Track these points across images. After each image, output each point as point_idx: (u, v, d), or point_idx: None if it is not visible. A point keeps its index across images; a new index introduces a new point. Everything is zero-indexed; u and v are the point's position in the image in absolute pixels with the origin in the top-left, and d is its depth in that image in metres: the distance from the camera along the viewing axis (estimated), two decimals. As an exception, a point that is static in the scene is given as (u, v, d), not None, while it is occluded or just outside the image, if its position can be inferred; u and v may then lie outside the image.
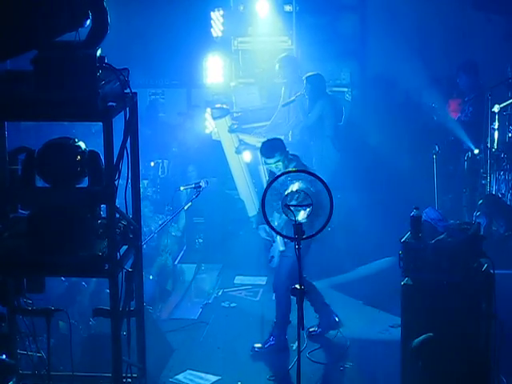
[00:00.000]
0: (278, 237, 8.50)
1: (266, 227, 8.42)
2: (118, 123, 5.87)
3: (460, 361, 6.87)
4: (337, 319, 8.94)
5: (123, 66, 5.98)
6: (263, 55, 12.34)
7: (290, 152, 8.68)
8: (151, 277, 9.78)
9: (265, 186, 8.28)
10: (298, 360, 5.98)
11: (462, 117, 11.70)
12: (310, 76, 11.17)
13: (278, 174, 8.07)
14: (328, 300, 9.01)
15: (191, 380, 8.17)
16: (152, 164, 12.13)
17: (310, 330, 8.88)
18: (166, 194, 11.52)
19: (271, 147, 8.55)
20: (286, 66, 11.64)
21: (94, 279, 8.53)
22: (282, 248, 8.64)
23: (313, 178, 6.30)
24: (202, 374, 8.26)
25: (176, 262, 10.77)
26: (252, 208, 11.14)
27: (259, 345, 8.71)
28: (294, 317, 7.53)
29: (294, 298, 5.91)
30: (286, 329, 8.71)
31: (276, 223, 8.21)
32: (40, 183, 5.99)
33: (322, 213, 6.29)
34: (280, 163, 8.44)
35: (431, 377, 6.89)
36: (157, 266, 10.15)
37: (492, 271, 6.97)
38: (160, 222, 10.25)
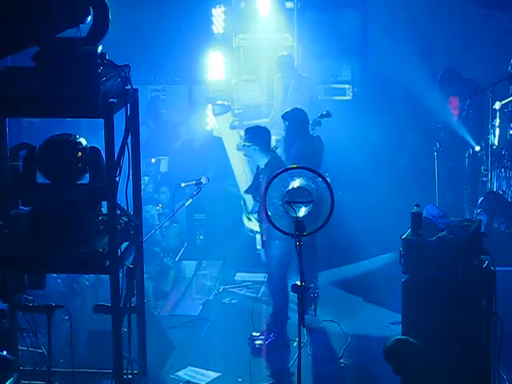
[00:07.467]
0: (257, 235, 8.74)
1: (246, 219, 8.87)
2: (119, 120, 5.87)
3: (460, 357, 6.87)
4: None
5: (124, 62, 5.98)
6: (264, 52, 12.34)
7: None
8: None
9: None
10: (299, 357, 5.99)
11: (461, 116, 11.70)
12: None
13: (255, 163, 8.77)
14: (328, 296, 9.00)
15: (192, 376, 8.17)
16: (153, 160, 12.13)
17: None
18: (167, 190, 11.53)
19: (254, 129, 8.85)
20: (284, 67, 11.69)
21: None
22: (258, 247, 8.80)
23: (313, 174, 6.32)
24: (203, 371, 8.26)
25: (177, 259, 10.76)
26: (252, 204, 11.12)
27: (260, 342, 8.71)
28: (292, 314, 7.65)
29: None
30: (285, 325, 8.72)
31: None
32: (41, 179, 6.00)
33: (322, 210, 6.29)
34: (252, 147, 8.63)
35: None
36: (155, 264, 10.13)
37: (493, 268, 6.96)
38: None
